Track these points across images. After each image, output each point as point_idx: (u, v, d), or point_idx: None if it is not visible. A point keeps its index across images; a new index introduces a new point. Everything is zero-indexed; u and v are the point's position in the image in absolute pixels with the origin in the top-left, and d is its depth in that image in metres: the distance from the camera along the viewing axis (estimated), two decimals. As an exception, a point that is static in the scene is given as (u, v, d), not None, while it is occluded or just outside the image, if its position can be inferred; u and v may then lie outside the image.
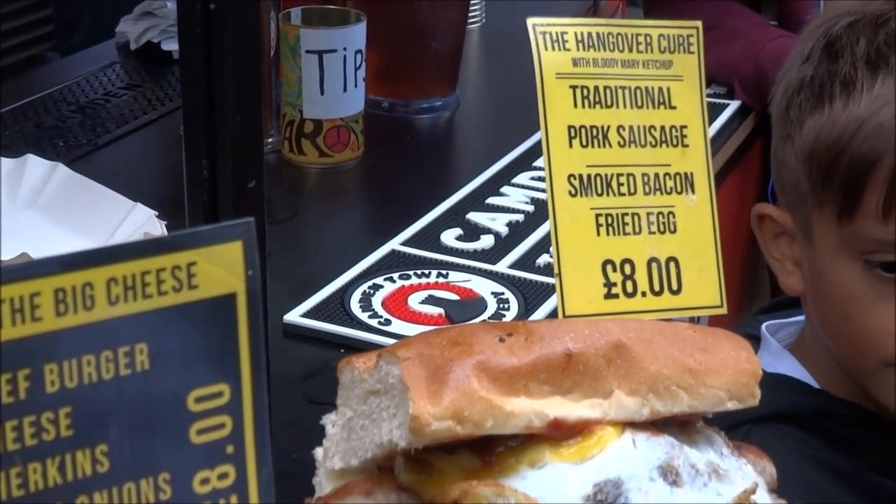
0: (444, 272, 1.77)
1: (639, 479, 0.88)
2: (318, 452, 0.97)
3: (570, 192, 0.97)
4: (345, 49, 2.07)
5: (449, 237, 1.87)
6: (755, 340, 1.58)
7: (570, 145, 0.97)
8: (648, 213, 1.00)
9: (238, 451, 0.71)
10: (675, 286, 1.00)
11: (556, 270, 0.96)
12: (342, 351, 1.58)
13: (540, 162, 2.07)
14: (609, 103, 0.99)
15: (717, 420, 0.97)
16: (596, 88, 0.98)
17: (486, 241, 1.86)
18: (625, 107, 0.99)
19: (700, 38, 1.02)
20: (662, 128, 1.01)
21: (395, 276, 1.75)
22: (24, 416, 0.65)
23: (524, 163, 2.13)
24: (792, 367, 1.51)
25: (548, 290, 1.71)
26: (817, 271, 1.45)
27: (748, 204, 2.67)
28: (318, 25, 2.11)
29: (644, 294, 0.99)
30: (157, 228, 1.59)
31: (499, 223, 1.91)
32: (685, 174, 1.01)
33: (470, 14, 2.55)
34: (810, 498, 1.37)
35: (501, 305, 1.68)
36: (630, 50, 1.00)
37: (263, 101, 2.09)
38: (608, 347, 0.91)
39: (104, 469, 0.68)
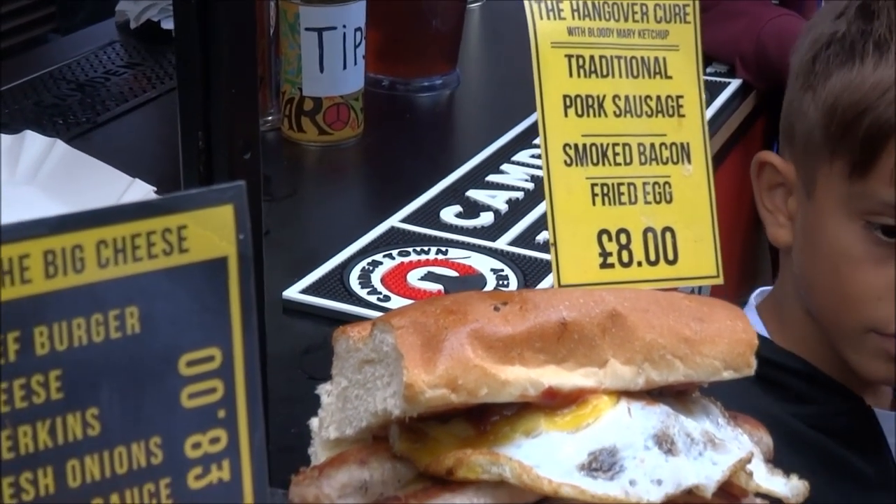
0: (443, 249, 1.76)
1: (634, 448, 0.87)
2: (314, 422, 0.97)
3: (565, 162, 0.96)
4: (344, 26, 2.07)
5: (448, 214, 1.86)
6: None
7: (566, 115, 0.96)
8: (644, 183, 0.99)
9: (230, 415, 0.71)
10: (671, 256, 1.00)
11: (551, 240, 0.96)
12: (341, 327, 1.58)
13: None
14: (605, 73, 0.99)
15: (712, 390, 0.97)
16: (591, 58, 0.98)
17: (486, 219, 1.86)
18: (620, 76, 0.99)
19: (696, 8, 1.02)
20: (658, 98, 1.00)
21: (395, 252, 1.75)
22: (14, 378, 0.65)
23: (524, 141, 2.12)
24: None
25: (547, 267, 1.71)
26: (813, 226, 1.45)
27: (749, 183, 2.67)
28: (318, 3, 2.10)
29: (640, 264, 0.98)
30: (156, 204, 1.58)
31: (498, 200, 1.91)
32: (681, 144, 1.01)
33: (470, -7, 2.55)
34: None
35: (501, 282, 1.68)
36: (626, 19, 1.00)
37: (263, 78, 2.09)
38: (603, 316, 0.90)
39: (95, 432, 0.67)
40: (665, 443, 0.88)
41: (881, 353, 1.43)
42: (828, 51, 1.44)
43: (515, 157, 2.06)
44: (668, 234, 0.99)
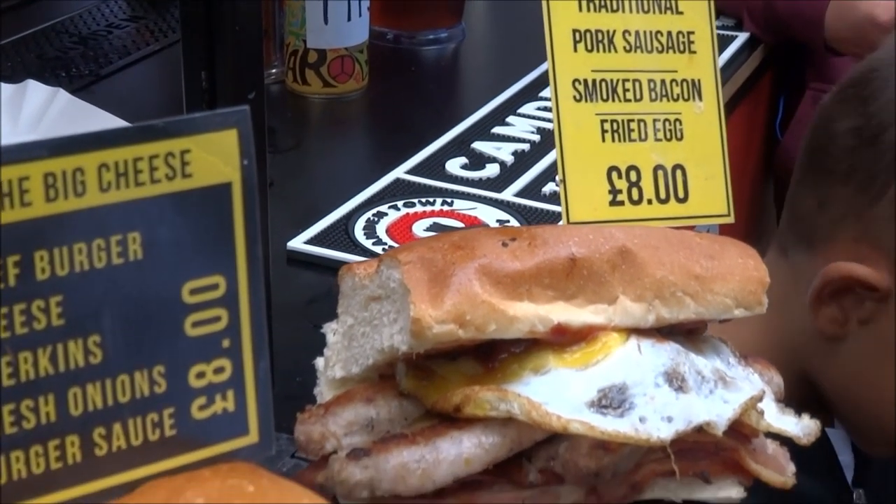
0: (449, 200, 1.75)
1: (644, 385, 0.86)
2: (319, 362, 0.96)
3: (574, 98, 0.95)
4: (349, -22, 2.05)
5: (454, 166, 1.85)
6: None
7: (575, 49, 0.95)
8: (655, 120, 0.98)
9: (234, 345, 0.70)
10: (681, 194, 0.98)
11: (560, 176, 0.94)
12: (346, 276, 1.56)
13: (546, 93, 2.04)
14: (615, 7, 0.97)
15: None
16: (601, -9, 0.96)
17: (492, 170, 1.84)
18: (630, 11, 0.97)
19: (708, -56, 1.00)
20: (669, 33, 0.99)
21: (400, 203, 1.73)
22: (14, 303, 0.64)
23: (530, 93, 2.10)
24: None
25: (554, 218, 1.69)
26: None
27: (757, 137, 2.65)
28: (322, -46, 2.08)
29: (650, 202, 0.97)
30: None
31: (504, 152, 1.89)
32: (692, 81, 0.99)
33: (476, -54, 2.52)
34: None
35: (507, 232, 1.66)
36: (636, -47, 0.98)
37: (266, 30, 2.07)
38: (613, 253, 0.89)
39: (97, 360, 0.66)
40: (675, 380, 0.87)
41: None
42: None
43: (521, 110, 2.05)
44: (678, 172, 0.98)
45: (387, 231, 1.67)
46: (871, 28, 2.28)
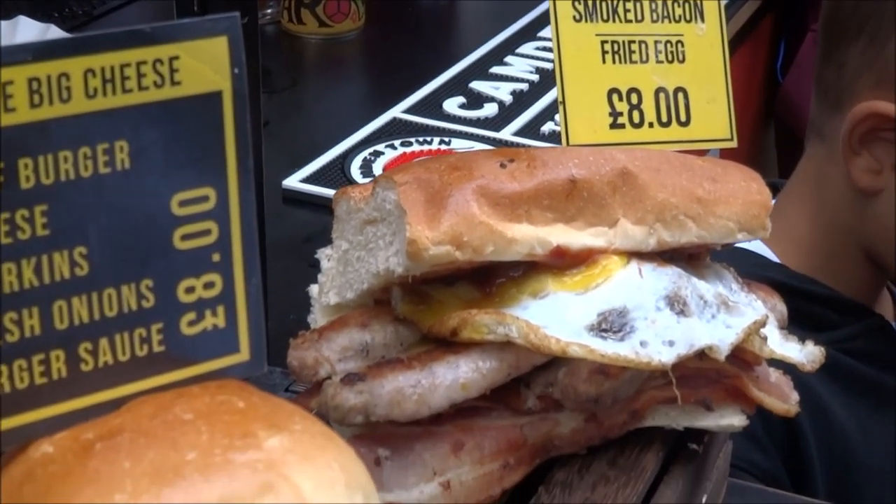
0: (446, 139, 1.73)
1: (645, 309, 0.85)
2: (313, 289, 0.94)
3: (574, 18, 0.93)
4: (345, -85, 2.02)
5: (452, 105, 1.83)
6: None
7: (575, -32, 0.93)
8: (656, 42, 0.96)
9: (225, 259, 0.68)
10: (683, 117, 0.96)
11: (559, 98, 0.92)
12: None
13: (546, 33, 2.03)
14: (615, -75, 0.95)
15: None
16: None
17: (490, 110, 1.82)
18: (631, -71, 0.95)
19: None
20: (671, -47, 0.97)
21: (397, 142, 1.72)
22: (-2, 212, 0.62)
23: (529, 34, 2.08)
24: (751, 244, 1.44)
25: (552, 157, 1.67)
26: None
27: (758, 80, 2.62)
28: None
29: (651, 125, 0.95)
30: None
31: (502, 92, 1.87)
32: (694, 2, 0.97)
33: None
34: None
35: (505, 171, 1.64)
36: None
37: (262, -31, 2.04)
38: (614, 174, 0.87)
39: (83, 272, 0.64)
40: (677, 304, 0.85)
41: None
42: None
43: (520, 50, 2.03)
44: (680, 95, 0.96)
45: (383, 170, 1.65)
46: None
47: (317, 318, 0.93)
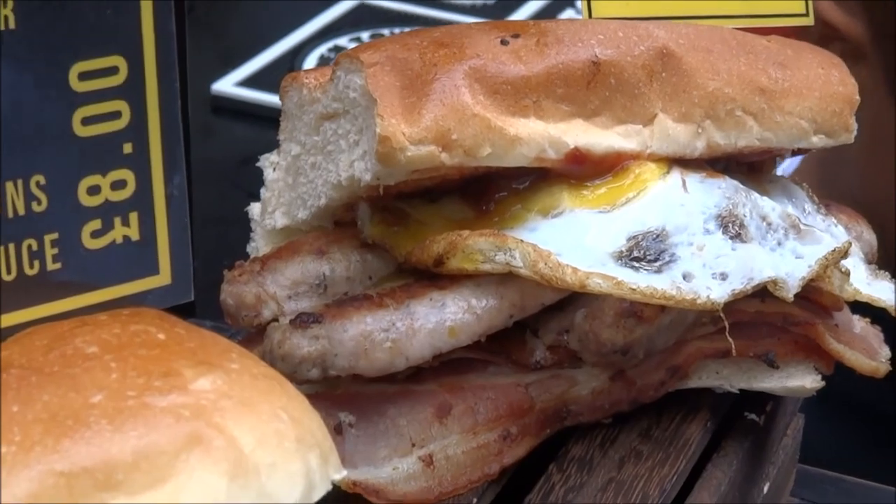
0: (429, 31, 1.74)
1: (689, 231, 0.86)
2: (254, 209, 0.94)
3: None
4: None
5: (438, -13, 1.84)
6: None
7: None
8: None
9: (139, 151, 0.70)
10: (745, -16, 0.98)
11: (581, -43, 0.93)
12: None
13: None
14: None
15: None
16: None
17: (487, -7, 1.84)
18: None
19: None
20: None
21: (365, 35, 1.73)
22: None
23: None
24: None
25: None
26: None
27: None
28: None
29: (704, -6, 0.96)
30: None
31: (504, -29, 1.89)
32: None
33: None
34: None
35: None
36: None
37: None
38: (651, 56, 0.88)
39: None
40: (732, 226, 0.87)
41: None
42: None
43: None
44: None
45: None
46: None
47: (258, 246, 0.94)
